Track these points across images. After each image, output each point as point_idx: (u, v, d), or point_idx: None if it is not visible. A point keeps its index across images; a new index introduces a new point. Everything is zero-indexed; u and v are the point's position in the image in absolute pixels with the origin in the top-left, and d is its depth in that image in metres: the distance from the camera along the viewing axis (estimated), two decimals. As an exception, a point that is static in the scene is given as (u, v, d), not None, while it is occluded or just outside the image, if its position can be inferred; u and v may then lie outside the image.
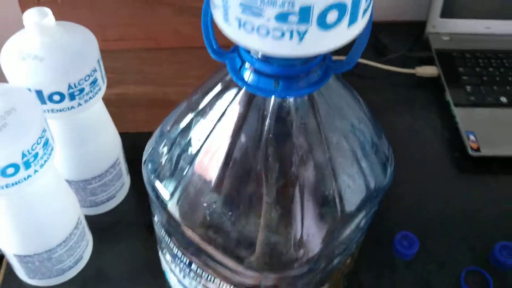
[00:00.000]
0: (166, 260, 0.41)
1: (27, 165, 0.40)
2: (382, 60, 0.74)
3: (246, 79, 0.30)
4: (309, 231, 0.33)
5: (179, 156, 0.34)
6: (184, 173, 0.33)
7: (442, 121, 0.69)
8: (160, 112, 0.64)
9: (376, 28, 0.79)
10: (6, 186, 0.40)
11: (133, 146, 0.59)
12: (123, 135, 0.57)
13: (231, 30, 0.26)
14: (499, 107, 0.69)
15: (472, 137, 0.65)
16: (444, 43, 0.77)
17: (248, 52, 0.30)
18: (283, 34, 0.25)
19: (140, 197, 0.60)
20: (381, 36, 0.78)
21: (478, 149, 0.64)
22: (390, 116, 0.69)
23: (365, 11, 0.26)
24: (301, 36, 0.25)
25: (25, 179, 0.40)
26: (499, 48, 0.76)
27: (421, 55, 0.76)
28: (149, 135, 0.69)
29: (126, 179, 0.58)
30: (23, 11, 0.51)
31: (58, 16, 0.45)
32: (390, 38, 0.78)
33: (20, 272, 0.50)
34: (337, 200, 0.33)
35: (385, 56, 0.75)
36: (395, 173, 0.62)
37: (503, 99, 0.69)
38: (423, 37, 0.79)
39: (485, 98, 0.70)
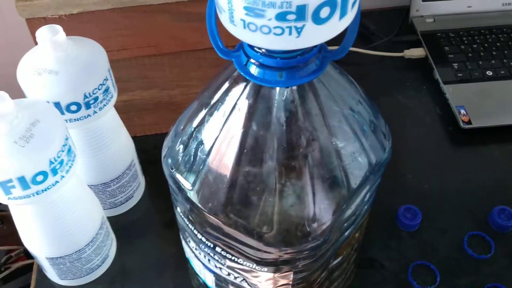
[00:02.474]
0: (190, 248, 0.44)
1: (54, 172, 0.43)
2: (371, 47, 0.78)
3: (252, 73, 0.34)
4: (321, 206, 0.36)
5: (196, 149, 0.37)
6: (203, 163, 0.37)
7: (433, 98, 0.73)
8: (166, 114, 0.68)
9: (363, 16, 0.83)
10: (37, 193, 0.43)
11: (143, 148, 0.63)
12: (132, 139, 0.60)
13: (236, 31, 0.30)
14: (485, 80, 0.72)
15: (462, 111, 0.68)
16: (428, 25, 0.80)
17: (253, 48, 0.33)
18: (283, 31, 0.29)
19: (156, 195, 0.63)
20: (368, 24, 0.81)
21: (469, 122, 0.67)
22: (383, 98, 0.73)
23: (353, 4, 0.29)
24: (299, 31, 0.29)
25: (53, 185, 0.44)
26: (481, 25, 0.80)
27: (408, 39, 0.80)
28: (156, 136, 0.72)
29: (142, 179, 0.62)
30: (31, 31, 0.54)
31: (65, 31, 0.48)
32: (377, 25, 0.81)
33: (52, 275, 0.54)
34: (343, 175, 0.36)
35: (373, 43, 0.79)
36: (393, 151, 0.66)
37: (489, 73, 0.73)
38: (408, 22, 0.82)
39: (472, 73, 0.73)
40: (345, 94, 0.38)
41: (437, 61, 0.75)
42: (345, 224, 0.41)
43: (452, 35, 0.78)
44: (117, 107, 0.56)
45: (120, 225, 0.59)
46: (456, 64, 0.74)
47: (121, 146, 0.56)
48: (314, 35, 0.29)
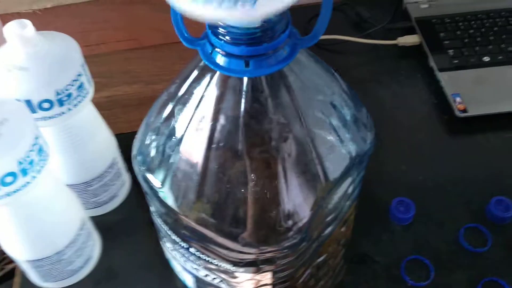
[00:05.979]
0: (167, 248, 0.43)
1: (24, 172, 0.41)
2: (364, 35, 0.76)
3: (218, 62, 0.32)
4: (296, 202, 0.34)
5: (164, 145, 0.36)
6: (171, 160, 0.35)
7: (428, 86, 0.70)
8: (152, 109, 0.66)
9: (355, 3, 0.80)
10: (7, 195, 0.42)
11: (129, 145, 0.61)
12: (119, 136, 0.58)
13: (188, 4, 0.27)
14: (482, 67, 0.70)
15: (458, 99, 0.66)
16: (423, 11, 0.78)
17: (217, 36, 0.31)
18: (236, 1, 0.26)
19: (142, 193, 0.61)
20: (361, 11, 0.79)
21: (465, 110, 0.65)
22: (377, 87, 0.70)
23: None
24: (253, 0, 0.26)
25: (24, 186, 0.42)
26: (478, 9, 0.77)
27: (402, 26, 0.77)
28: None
29: (126, 177, 0.60)
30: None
31: (40, 26, 0.46)
32: (370, 12, 0.79)
33: (33, 277, 0.52)
34: (319, 168, 0.34)
35: (366, 31, 0.76)
36: (386, 141, 0.64)
37: (486, 59, 0.70)
38: (402, 8, 0.79)
39: (468, 60, 0.71)
40: (320, 83, 0.35)
41: (432, 48, 0.72)
42: (327, 219, 0.39)
43: (448, 21, 0.76)
44: (100, 103, 0.54)
45: (105, 224, 0.58)
46: (452, 50, 0.72)
47: (101, 144, 0.54)
48: (271, 1, 0.26)
